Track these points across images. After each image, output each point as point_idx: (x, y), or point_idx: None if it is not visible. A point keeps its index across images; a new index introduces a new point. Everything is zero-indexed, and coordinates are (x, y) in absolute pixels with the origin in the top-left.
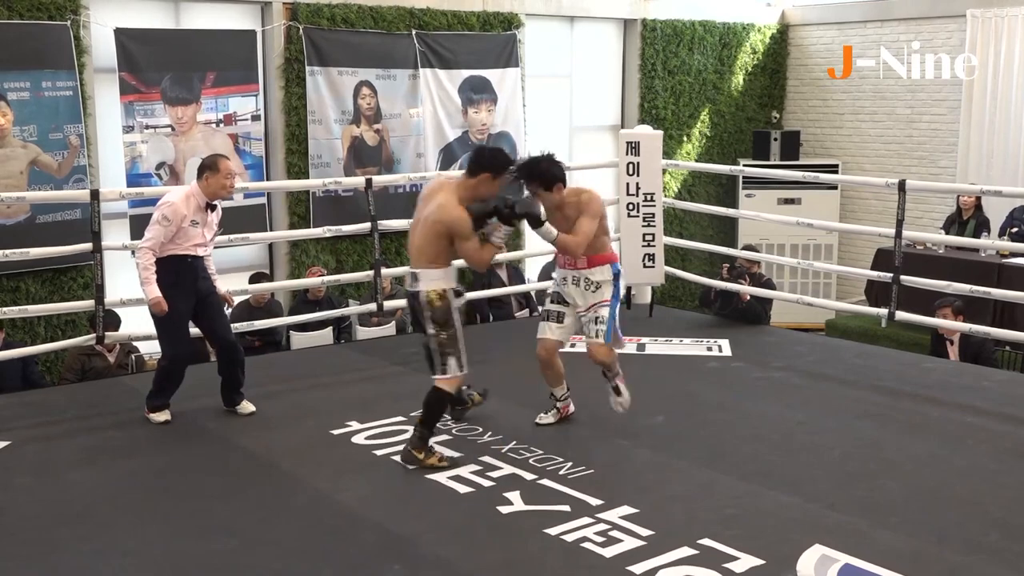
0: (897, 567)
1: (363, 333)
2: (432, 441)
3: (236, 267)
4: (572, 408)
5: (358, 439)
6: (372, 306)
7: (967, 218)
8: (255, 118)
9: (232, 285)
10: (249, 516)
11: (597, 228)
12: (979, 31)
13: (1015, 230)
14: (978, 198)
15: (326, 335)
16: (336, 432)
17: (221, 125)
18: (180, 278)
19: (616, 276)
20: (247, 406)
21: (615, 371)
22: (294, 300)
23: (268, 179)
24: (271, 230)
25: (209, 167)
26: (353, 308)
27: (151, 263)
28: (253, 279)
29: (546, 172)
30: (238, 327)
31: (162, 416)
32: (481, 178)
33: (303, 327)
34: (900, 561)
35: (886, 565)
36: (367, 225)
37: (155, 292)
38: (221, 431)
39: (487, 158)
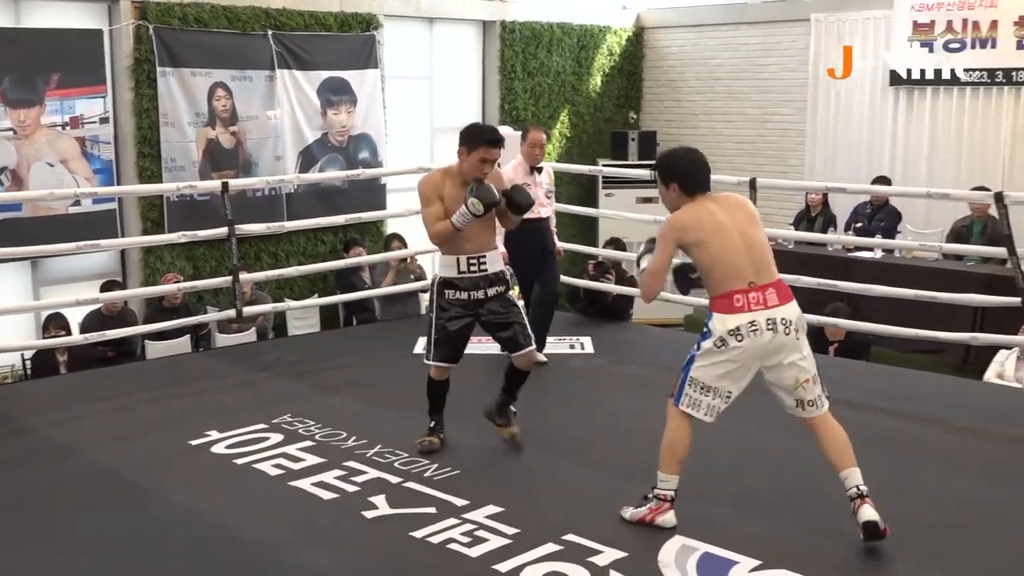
0: (755, 553)
1: (222, 340)
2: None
3: (87, 275)
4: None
5: (218, 448)
6: (231, 312)
7: (815, 215)
8: (103, 120)
9: (83, 294)
10: (108, 533)
11: (696, 262)
12: (823, 35)
13: (859, 225)
14: (825, 195)
15: (183, 343)
16: (195, 442)
17: (67, 128)
18: (523, 238)
19: (704, 334)
20: (540, 356)
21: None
22: (149, 308)
23: (119, 184)
24: (123, 236)
25: (522, 134)
26: (211, 315)
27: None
28: (105, 287)
29: (658, 161)
30: (89, 337)
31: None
32: (459, 152)
33: (159, 336)
34: (758, 547)
35: (744, 552)
36: (224, 230)
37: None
38: (73, 445)
39: (462, 132)
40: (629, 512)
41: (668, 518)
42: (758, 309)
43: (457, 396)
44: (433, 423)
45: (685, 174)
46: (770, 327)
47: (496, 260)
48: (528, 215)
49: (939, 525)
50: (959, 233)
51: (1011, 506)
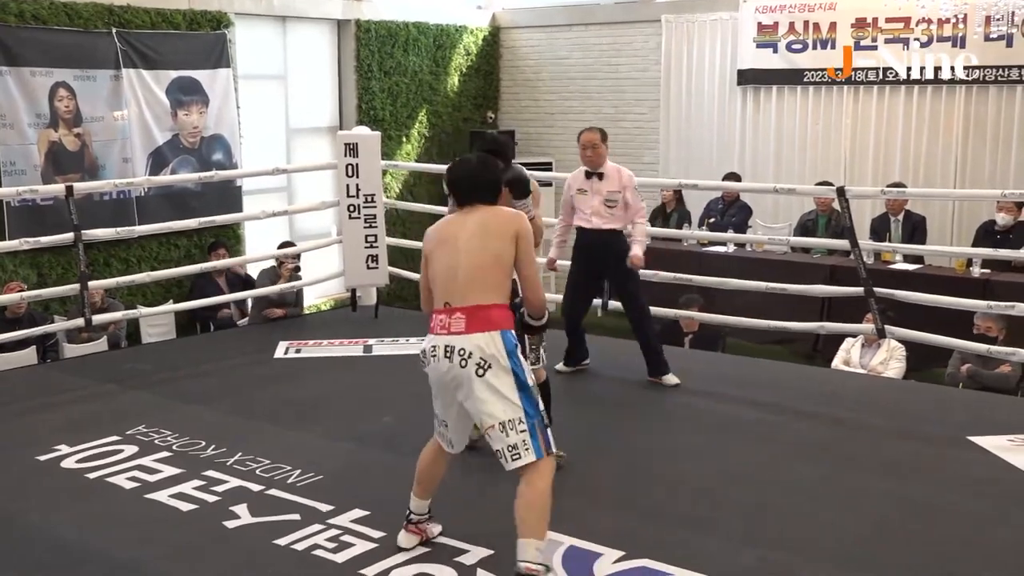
0: (618, 545)
1: (72, 350)
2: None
3: None
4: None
5: (68, 463)
6: (80, 321)
7: (670, 211)
8: None
9: None
10: None
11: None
12: (672, 35)
13: (712, 220)
14: (679, 192)
15: (29, 355)
16: (43, 458)
17: None
18: (578, 244)
19: None
20: (671, 378)
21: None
22: None
23: None
24: None
25: (577, 138)
26: (59, 324)
27: (557, 228)
28: None
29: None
30: None
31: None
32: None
33: (2, 348)
34: (620, 539)
35: (603, 543)
36: (70, 236)
37: (551, 254)
38: None
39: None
40: None
41: (399, 536)
42: (441, 333)
43: (319, 400)
44: None
45: (455, 185)
46: (447, 355)
47: None
48: (585, 224)
49: (789, 509)
50: (805, 227)
51: (852, 485)
